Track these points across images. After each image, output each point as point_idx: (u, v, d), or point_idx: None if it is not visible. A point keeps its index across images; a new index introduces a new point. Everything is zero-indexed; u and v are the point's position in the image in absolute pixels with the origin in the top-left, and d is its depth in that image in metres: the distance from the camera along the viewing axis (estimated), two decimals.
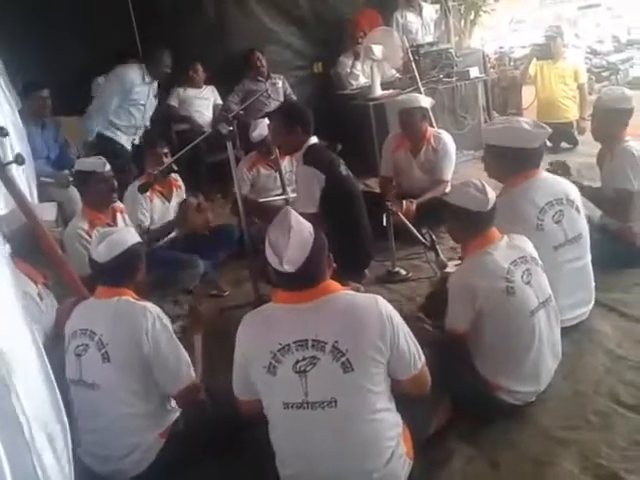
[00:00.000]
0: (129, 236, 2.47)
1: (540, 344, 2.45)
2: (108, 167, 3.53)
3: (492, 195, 2.46)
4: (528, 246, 2.54)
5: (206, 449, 2.35)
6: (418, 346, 2.06)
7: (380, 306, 1.99)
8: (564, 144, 6.24)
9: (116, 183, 3.60)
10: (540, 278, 2.51)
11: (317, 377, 1.91)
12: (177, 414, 2.42)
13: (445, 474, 2.21)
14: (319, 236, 2.01)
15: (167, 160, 3.99)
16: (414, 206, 4.08)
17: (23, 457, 1.40)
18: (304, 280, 1.98)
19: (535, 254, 2.54)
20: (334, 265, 2.09)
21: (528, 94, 6.76)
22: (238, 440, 2.31)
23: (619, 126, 3.46)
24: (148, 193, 3.87)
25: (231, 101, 6.31)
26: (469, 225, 2.50)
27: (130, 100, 5.03)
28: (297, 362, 1.92)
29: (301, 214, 2.07)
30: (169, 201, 4.16)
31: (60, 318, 2.83)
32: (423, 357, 2.08)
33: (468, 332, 2.45)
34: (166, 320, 2.35)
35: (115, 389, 2.27)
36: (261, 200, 4.42)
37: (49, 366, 1.70)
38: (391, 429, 2.00)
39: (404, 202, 4.04)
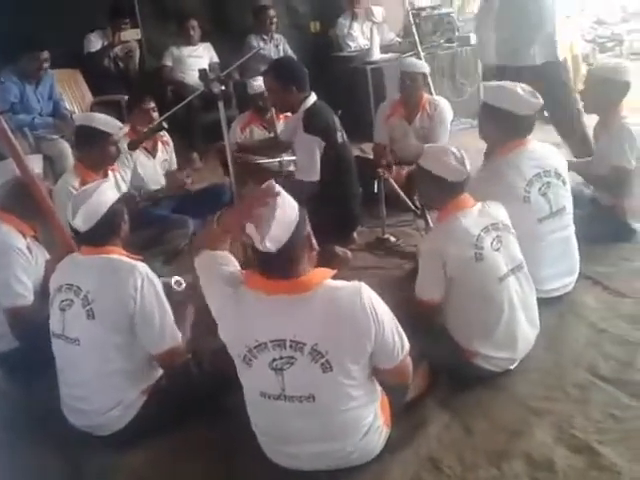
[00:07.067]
0: (105, 197, 2.33)
1: (512, 310, 2.44)
2: (123, 130, 3.41)
3: (469, 165, 2.46)
4: (501, 213, 2.53)
5: (188, 408, 2.36)
6: (403, 336, 1.99)
7: (364, 299, 1.87)
8: None
9: None
10: (511, 245, 2.50)
11: (294, 375, 1.88)
12: (161, 372, 2.41)
13: (421, 439, 2.22)
14: (303, 220, 1.89)
15: (155, 115, 3.94)
16: (405, 171, 4.06)
17: None
18: (283, 265, 1.86)
19: (508, 221, 2.53)
20: (317, 249, 1.98)
21: None
22: (220, 401, 2.36)
23: (613, 99, 3.39)
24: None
25: None
26: (442, 192, 2.49)
27: None
28: (274, 360, 1.88)
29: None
30: (154, 157, 4.09)
31: (48, 272, 2.82)
32: (407, 346, 2.01)
33: (440, 302, 2.46)
34: (156, 280, 2.33)
35: (98, 345, 2.26)
36: (256, 162, 4.30)
37: None
38: (368, 407, 2.00)
39: (394, 167, 4.02)
